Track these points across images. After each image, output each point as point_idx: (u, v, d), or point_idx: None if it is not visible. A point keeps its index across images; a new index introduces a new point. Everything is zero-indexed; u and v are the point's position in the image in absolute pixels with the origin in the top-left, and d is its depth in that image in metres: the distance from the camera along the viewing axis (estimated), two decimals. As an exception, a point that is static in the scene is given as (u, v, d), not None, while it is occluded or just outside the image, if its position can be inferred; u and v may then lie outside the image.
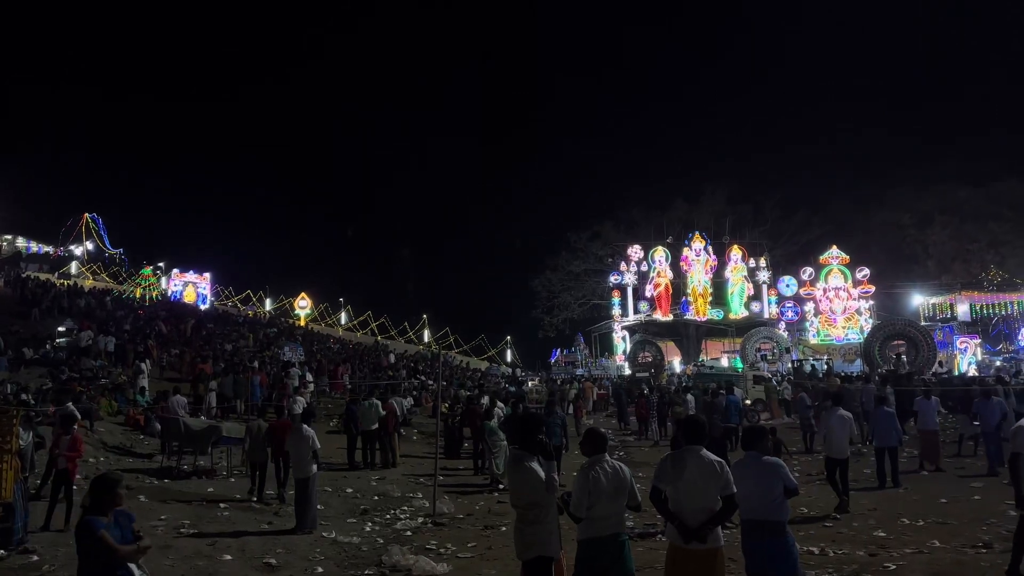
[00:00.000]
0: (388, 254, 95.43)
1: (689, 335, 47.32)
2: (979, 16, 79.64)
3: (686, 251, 47.09)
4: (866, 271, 46.08)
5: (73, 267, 57.05)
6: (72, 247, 67.57)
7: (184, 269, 57.08)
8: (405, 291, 73.45)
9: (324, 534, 9.93)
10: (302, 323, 54.00)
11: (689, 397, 21.33)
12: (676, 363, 44.65)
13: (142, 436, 17.20)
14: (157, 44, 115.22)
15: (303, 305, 58.70)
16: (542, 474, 5.37)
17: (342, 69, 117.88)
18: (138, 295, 50.89)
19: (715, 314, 46.42)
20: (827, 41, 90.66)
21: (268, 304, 59.46)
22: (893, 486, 12.29)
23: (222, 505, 11.50)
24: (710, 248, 47.28)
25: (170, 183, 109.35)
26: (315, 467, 10.44)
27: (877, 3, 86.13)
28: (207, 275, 57.55)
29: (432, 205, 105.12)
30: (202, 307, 51.89)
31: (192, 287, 56.00)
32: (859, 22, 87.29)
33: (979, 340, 40.33)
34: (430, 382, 30.87)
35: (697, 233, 47.75)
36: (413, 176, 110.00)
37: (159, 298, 51.48)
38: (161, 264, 61.47)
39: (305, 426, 10.72)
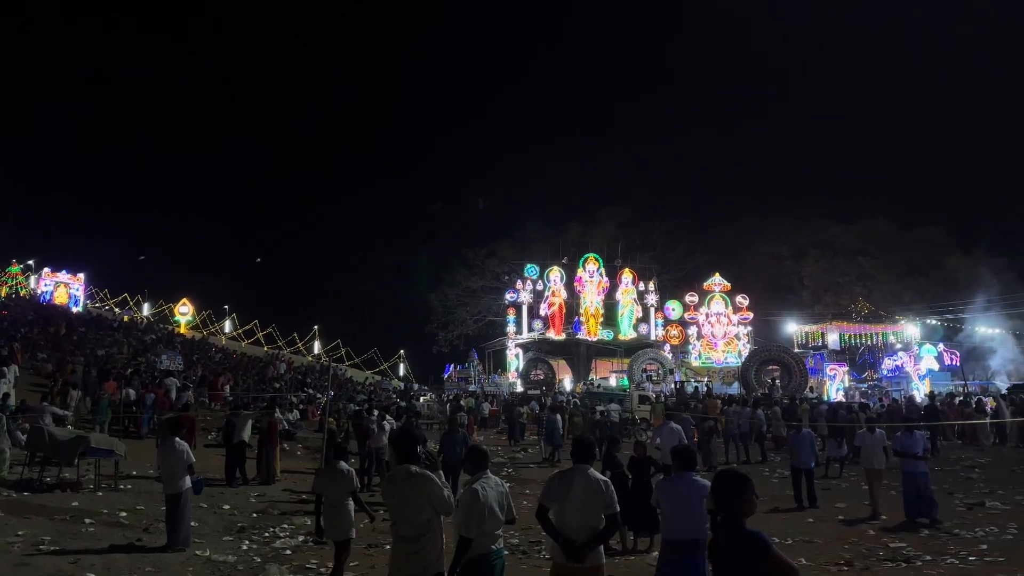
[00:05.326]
0: (280, 260, 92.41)
1: (580, 354, 48.16)
2: (868, 68, 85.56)
3: (580, 272, 48.05)
4: (745, 298, 48.42)
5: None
6: (-73, 239, 62.40)
7: (56, 268, 53.71)
8: (297, 301, 71.64)
9: (198, 552, 9.45)
10: (182, 330, 51.70)
11: (556, 417, 21.35)
12: (567, 381, 45.34)
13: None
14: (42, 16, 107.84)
15: (184, 311, 56.32)
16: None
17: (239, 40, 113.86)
18: (3, 294, 47.44)
19: (605, 335, 47.51)
20: (713, 84, 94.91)
21: (146, 309, 56.72)
22: (810, 506, 12.91)
23: (87, 520, 10.81)
24: (603, 270, 48.45)
25: (45, 172, 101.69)
26: (188, 482, 9.73)
27: (779, 54, 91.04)
28: (81, 275, 54.40)
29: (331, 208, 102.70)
30: (74, 309, 48.90)
31: (64, 288, 52.83)
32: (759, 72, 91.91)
33: (847, 368, 42.92)
34: (318, 395, 30.13)
35: (591, 255, 48.81)
36: (317, 174, 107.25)
37: (27, 298, 48.18)
38: (31, 262, 57.56)
39: (177, 439, 10.08)
